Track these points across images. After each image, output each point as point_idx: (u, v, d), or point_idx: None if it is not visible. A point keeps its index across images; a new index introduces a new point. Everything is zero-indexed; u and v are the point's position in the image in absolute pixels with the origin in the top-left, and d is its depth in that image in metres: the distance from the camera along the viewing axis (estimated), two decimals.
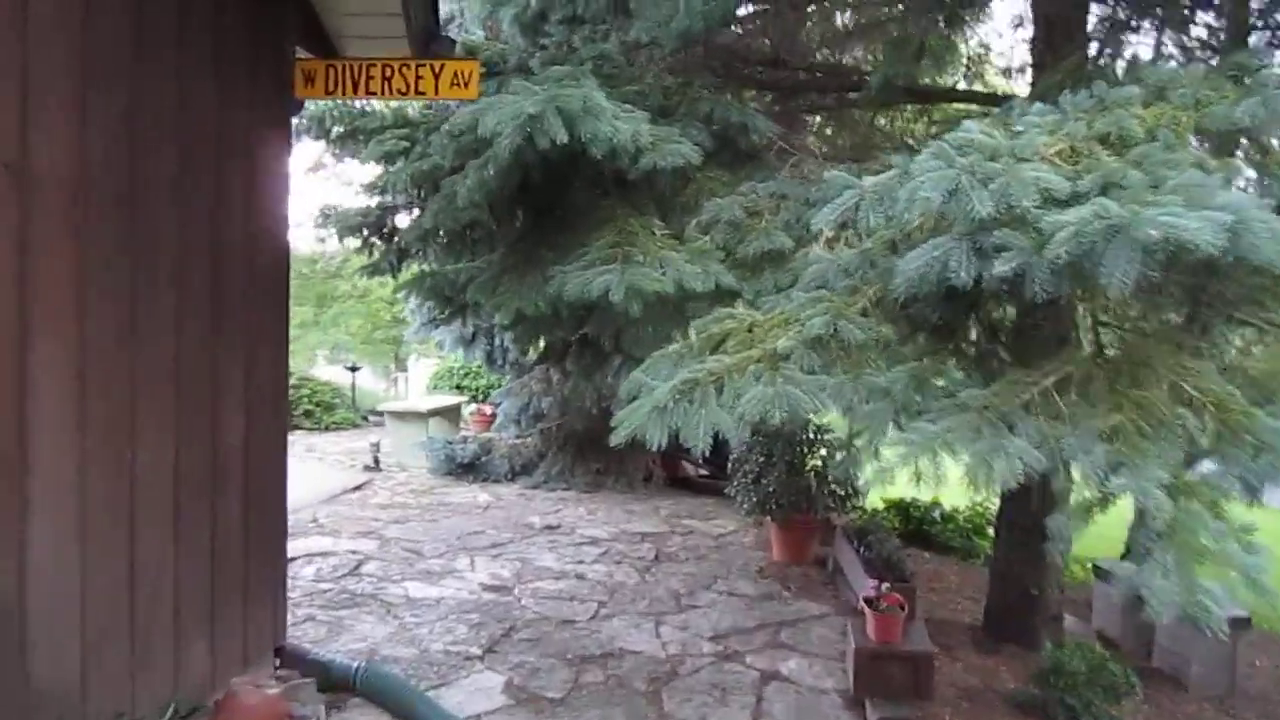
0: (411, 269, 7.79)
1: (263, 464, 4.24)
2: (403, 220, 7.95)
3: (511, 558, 7.40)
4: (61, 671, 2.99)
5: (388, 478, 10.90)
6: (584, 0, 6.46)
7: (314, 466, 11.20)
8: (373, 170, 7.74)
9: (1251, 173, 3.72)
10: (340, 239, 8.42)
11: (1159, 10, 6.13)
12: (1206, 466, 2.83)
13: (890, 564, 5.92)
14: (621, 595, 6.52)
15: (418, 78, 4.65)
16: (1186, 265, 2.70)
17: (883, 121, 8.63)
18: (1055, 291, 2.70)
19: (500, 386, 13.11)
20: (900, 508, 9.26)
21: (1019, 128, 3.47)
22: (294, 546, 6.28)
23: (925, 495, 8.68)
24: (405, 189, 6.40)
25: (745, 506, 7.71)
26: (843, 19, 8.58)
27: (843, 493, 7.66)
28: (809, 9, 7.72)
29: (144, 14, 3.24)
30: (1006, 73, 9.28)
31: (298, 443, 12.37)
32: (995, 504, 7.00)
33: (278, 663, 4.44)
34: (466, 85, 4.68)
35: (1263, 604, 2.62)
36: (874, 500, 8.94)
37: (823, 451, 7.69)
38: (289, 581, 4.98)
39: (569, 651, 5.32)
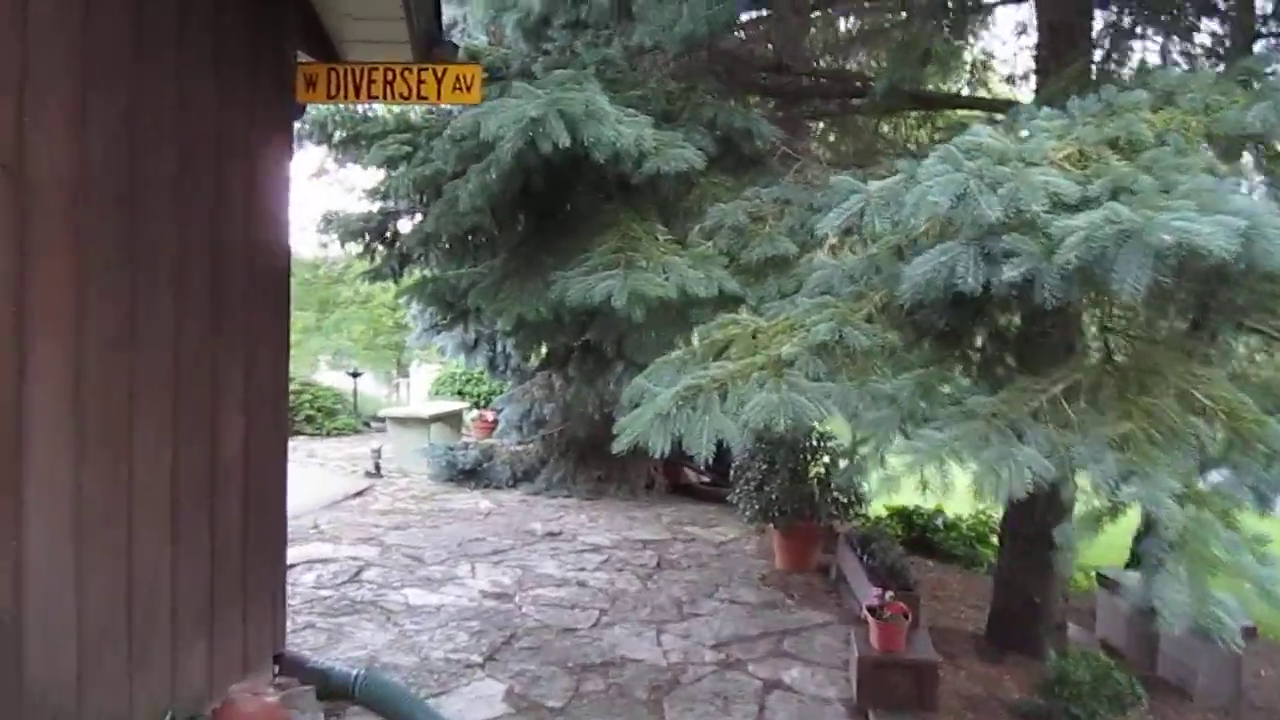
0: (414, 274, 7.76)
1: (263, 468, 4.20)
2: (405, 225, 7.92)
3: (513, 565, 7.35)
4: (57, 676, 2.95)
5: (389, 484, 10.86)
6: (587, 5, 6.45)
7: (315, 472, 11.17)
8: (375, 175, 7.72)
9: (1259, 177, 3.69)
10: (342, 244, 8.39)
11: (1163, 17, 6.12)
12: (1214, 476, 2.81)
13: (894, 572, 5.87)
14: (623, 603, 6.48)
15: (420, 82, 4.63)
16: (1196, 272, 2.67)
17: (886, 128, 8.62)
18: (1065, 297, 2.67)
19: (502, 392, 13.08)
20: (903, 515, 9.24)
21: (1026, 132, 3.44)
22: (294, 553, 6.25)
23: (928, 502, 8.66)
24: (407, 194, 6.38)
25: (748, 514, 7.68)
26: (846, 25, 8.60)
27: (845, 500, 7.62)
28: (812, 15, 7.71)
29: (144, 15, 3.22)
30: (1009, 80, 9.27)
31: (299, 448, 12.34)
32: (998, 512, 6.98)
33: (277, 670, 4.40)
34: (469, 90, 4.66)
35: (1267, 612, 2.58)
36: (876, 507, 8.90)
37: (825, 458, 7.65)
38: (289, 588, 4.94)
39: (570, 659, 5.28)
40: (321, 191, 27.97)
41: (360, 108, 7.03)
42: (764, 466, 7.57)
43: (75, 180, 2.91)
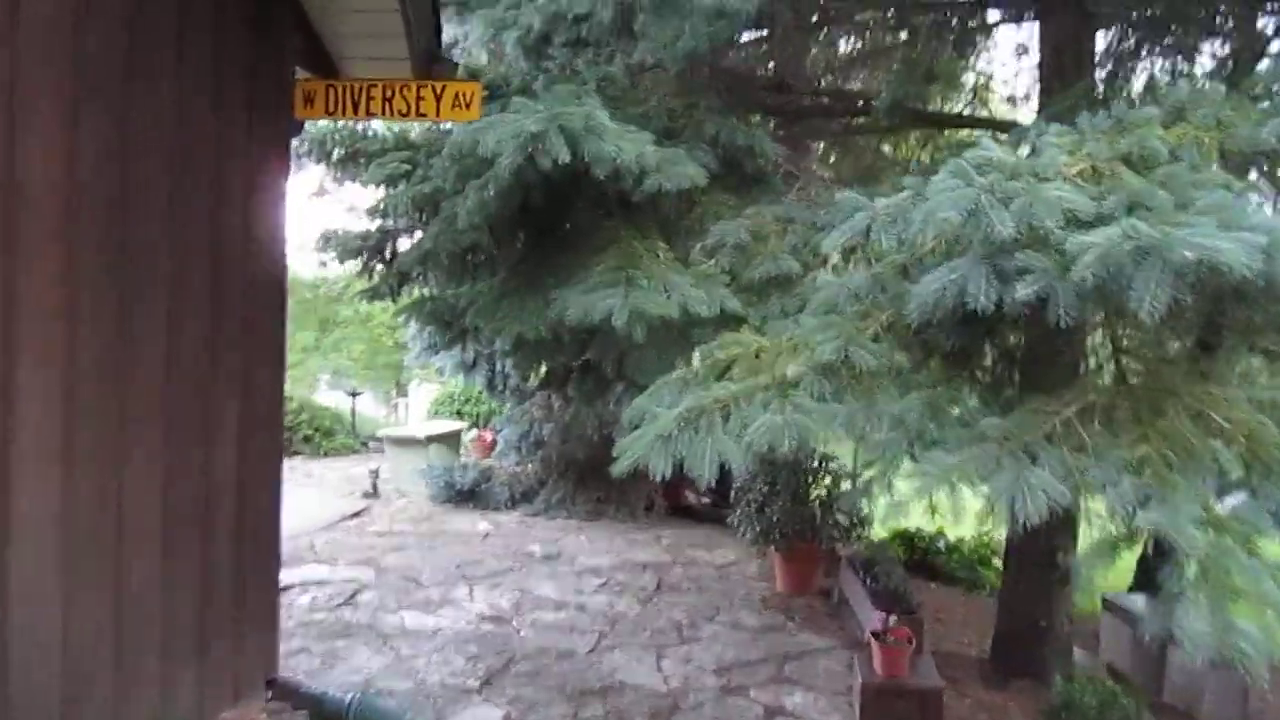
0: (412, 293, 7.70)
1: (256, 489, 4.12)
2: (404, 244, 7.86)
3: (511, 587, 7.25)
4: (42, 703, 2.88)
5: (386, 504, 10.75)
6: (588, 22, 6.40)
7: (312, 492, 11.06)
8: (374, 194, 7.67)
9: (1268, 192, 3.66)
10: (340, 261, 8.32)
11: (1167, 40, 6.12)
12: (1229, 500, 2.74)
13: (897, 595, 5.78)
14: (622, 626, 6.39)
15: (419, 99, 4.59)
16: (1211, 290, 2.61)
17: (887, 148, 8.62)
18: (1080, 316, 2.60)
19: (501, 413, 12.98)
20: (905, 537, 9.16)
21: (1032, 148, 3.39)
22: (289, 574, 6.15)
23: (930, 525, 8.58)
24: (406, 212, 6.33)
25: (748, 536, 7.58)
26: (847, 45, 8.60)
27: (848, 522, 7.53)
28: (814, 34, 7.70)
29: (139, 31, 3.17)
30: (1010, 100, 9.29)
31: (296, 468, 12.26)
32: (1001, 534, 6.89)
33: (269, 695, 4.30)
34: (468, 107, 4.62)
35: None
36: (878, 529, 8.82)
37: (827, 480, 7.58)
38: (283, 611, 4.85)
39: (568, 684, 5.18)
40: (321, 210, 28.10)
41: (359, 125, 7.00)
42: (765, 488, 7.48)
43: (66, 198, 2.86)
